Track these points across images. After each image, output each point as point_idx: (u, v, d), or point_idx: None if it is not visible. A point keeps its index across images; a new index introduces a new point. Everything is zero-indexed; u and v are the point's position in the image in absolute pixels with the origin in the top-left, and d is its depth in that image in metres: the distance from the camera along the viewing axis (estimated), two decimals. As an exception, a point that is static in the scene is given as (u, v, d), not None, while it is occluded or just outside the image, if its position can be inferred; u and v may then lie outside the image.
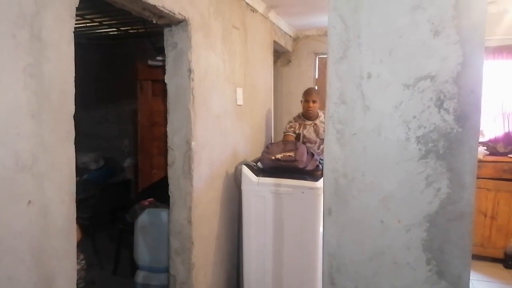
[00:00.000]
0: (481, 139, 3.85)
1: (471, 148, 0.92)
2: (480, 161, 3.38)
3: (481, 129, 3.85)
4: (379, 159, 0.97)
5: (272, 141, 3.78)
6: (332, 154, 1.02)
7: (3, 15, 1.14)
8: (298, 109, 4.72)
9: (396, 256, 0.98)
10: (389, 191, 0.97)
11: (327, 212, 1.04)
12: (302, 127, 3.37)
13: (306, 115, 3.40)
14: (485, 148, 3.67)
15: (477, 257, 3.30)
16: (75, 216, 1.43)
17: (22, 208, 1.21)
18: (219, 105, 2.53)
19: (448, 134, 0.92)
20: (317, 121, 3.35)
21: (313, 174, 2.53)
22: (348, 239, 1.03)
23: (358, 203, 1.01)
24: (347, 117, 0.98)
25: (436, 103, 0.92)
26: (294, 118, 3.49)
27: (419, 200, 0.95)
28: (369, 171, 0.98)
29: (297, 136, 3.34)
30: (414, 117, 0.93)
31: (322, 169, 2.57)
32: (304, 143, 3.23)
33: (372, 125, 0.96)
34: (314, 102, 3.30)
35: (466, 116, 0.91)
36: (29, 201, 1.23)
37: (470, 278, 0.95)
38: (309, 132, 3.34)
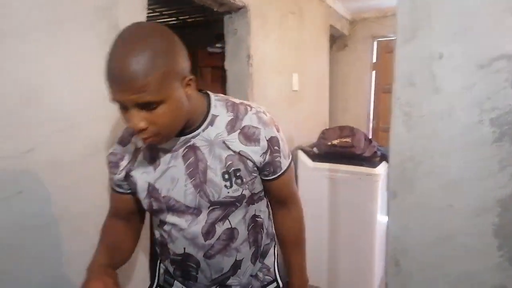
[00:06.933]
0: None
1: (551, 131, 0.87)
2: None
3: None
4: (449, 142, 0.95)
5: (328, 127, 3.75)
6: (398, 137, 1.01)
7: (84, 8, 1.24)
8: (353, 95, 4.63)
9: (464, 240, 0.96)
10: (458, 174, 0.95)
11: (392, 195, 1.04)
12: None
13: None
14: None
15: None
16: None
17: (99, 187, 1.32)
18: (275, 90, 2.55)
19: (526, 116, 0.88)
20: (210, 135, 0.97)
21: (371, 160, 2.49)
22: (413, 222, 1.02)
23: (424, 187, 1.00)
24: (415, 99, 0.97)
25: (513, 84, 0.88)
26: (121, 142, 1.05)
27: (491, 184, 0.92)
28: (438, 154, 0.96)
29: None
30: (488, 98, 0.90)
31: (380, 156, 2.53)
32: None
33: (442, 107, 0.94)
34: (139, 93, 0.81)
35: (546, 97, 0.86)
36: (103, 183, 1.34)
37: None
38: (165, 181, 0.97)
